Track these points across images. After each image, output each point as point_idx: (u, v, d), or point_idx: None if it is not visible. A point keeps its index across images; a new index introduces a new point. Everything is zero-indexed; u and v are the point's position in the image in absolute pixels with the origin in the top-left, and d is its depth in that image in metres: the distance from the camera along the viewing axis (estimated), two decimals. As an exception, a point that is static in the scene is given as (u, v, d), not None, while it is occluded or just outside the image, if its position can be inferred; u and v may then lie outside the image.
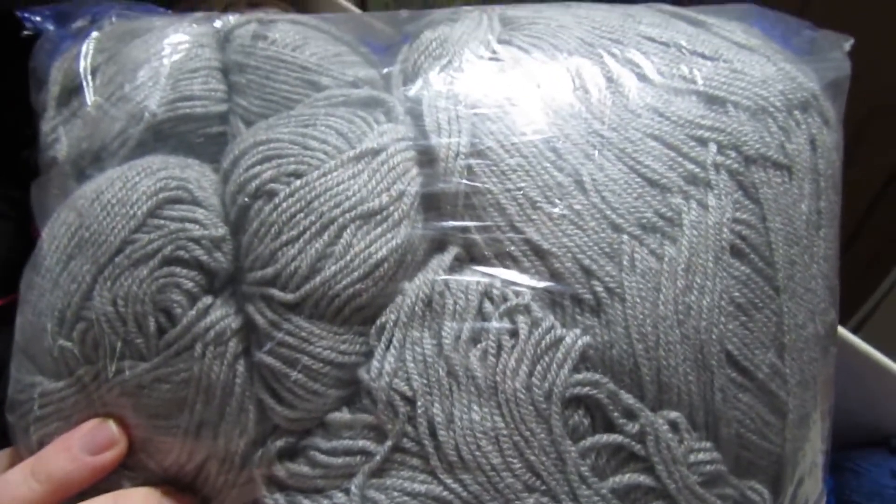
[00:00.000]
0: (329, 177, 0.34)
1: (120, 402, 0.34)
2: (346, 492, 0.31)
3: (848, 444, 0.39)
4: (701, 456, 0.32)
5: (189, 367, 0.33)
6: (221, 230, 0.36)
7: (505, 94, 0.36)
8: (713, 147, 0.35)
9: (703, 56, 0.38)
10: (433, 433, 0.31)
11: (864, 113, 0.42)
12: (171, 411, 0.34)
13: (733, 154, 0.35)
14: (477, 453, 0.30)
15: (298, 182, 0.34)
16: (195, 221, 0.35)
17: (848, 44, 0.43)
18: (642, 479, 0.31)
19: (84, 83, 0.42)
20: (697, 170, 0.35)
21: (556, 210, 0.33)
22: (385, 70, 0.42)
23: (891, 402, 0.54)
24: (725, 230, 0.34)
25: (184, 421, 0.34)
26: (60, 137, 0.42)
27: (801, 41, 0.43)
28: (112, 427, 0.35)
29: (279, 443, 0.34)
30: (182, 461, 0.35)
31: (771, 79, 0.38)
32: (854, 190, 0.40)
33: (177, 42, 0.41)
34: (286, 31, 0.44)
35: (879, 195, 0.68)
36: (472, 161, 0.35)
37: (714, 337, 0.33)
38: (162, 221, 0.35)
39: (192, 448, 0.34)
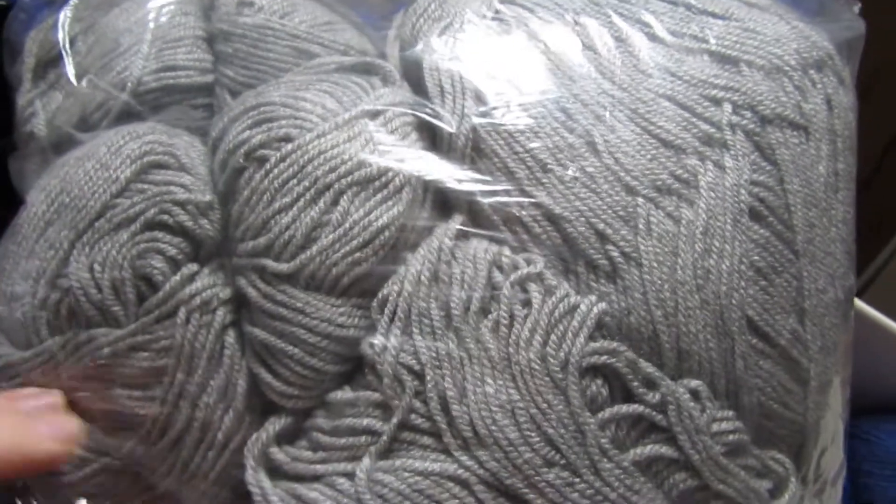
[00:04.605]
0: (323, 140, 0.32)
1: (90, 373, 0.32)
2: (351, 477, 0.30)
3: (856, 412, 0.38)
4: (724, 425, 0.30)
5: (171, 334, 0.32)
6: (209, 196, 0.34)
7: (510, 54, 0.35)
8: (728, 107, 0.34)
9: (714, 15, 0.37)
10: (445, 408, 0.29)
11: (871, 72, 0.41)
12: (148, 382, 0.32)
13: (749, 114, 0.34)
14: (493, 427, 0.28)
15: (290, 146, 0.32)
16: (181, 185, 0.33)
17: (857, 6, 0.42)
18: (664, 450, 0.30)
19: (63, 53, 0.40)
20: (713, 130, 0.33)
21: (569, 173, 0.32)
22: (380, 34, 0.40)
23: (900, 367, 0.53)
24: (743, 192, 0.32)
25: (161, 391, 0.32)
26: (38, 111, 0.41)
27: (809, 2, 0.42)
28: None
29: (278, 424, 0.32)
30: (154, 438, 0.32)
31: (784, 37, 0.36)
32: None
33: (160, 6, 0.39)
34: (274, -3, 0.42)
35: (883, 156, 0.67)
36: (477, 123, 0.33)
37: (734, 302, 0.31)
38: (145, 186, 0.33)
39: (167, 422, 0.32)
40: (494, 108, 0.33)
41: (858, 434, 0.52)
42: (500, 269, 0.31)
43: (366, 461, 0.30)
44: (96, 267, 0.32)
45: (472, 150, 0.33)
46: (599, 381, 0.30)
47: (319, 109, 0.34)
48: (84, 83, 0.39)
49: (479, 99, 0.34)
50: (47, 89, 0.41)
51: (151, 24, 0.40)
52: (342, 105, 0.34)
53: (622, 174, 0.32)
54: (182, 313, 0.32)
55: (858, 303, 0.50)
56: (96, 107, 0.39)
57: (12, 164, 0.40)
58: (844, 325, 0.35)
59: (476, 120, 0.33)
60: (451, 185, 0.33)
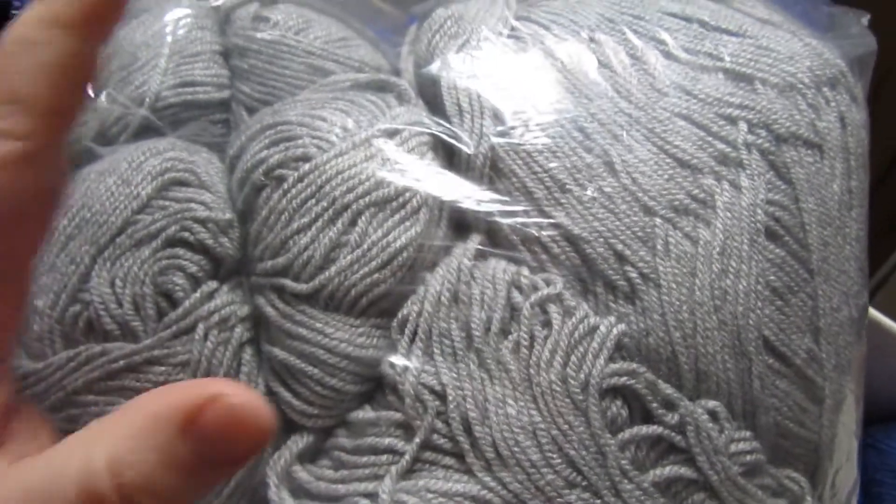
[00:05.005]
0: (340, 160, 0.33)
1: (99, 388, 0.32)
2: (373, 498, 0.30)
3: (866, 421, 0.39)
4: (741, 446, 0.31)
5: (188, 350, 0.32)
6: (229, 214, 0.34)
7: (527, 72, 0.35)
8: (743, 126, 0.34)
9: (728, 32, 0.37)
10: (468, 429, 0.29)
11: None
12: None
13: (764, 133, 0.34)
14: (515, 449, 0.29)
15: (308, 165, 0.33)
16: (202, 203, 0.34)
17: (866, 19, 0.42)
18: (683, 470, 0.30)
19: (79, 66, 0.40)
20: (728, 149, 0.34)
21: (587, 193, 0.32)
22: (394, 50, 0.40)
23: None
24: (759, 212, 0.33)
25: None
26: (53, 125, 0.40)
27: (819, 16, 0.42)
28: None
29: (301, 443, 0.32)
30: None
31: (798, 55, 0.36)
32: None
33: (176, 18, 0.39)
34: (288, 13, 0.42)
35: (890, 164, 0.68)
36: (496, 142, 0.33)
37: (751, 322, 0.31)
38: (167, 203, 0.33)
39: None
40: (513, 128, 0.34)
41: (869, 443, 0.52)
42: (520, 289, 0.32)
43: (387, 481, 0.30)
44: (118, 282, 0.32)
45: (491, 170, 0.33)
46: (619, 402, 0.30)
47: (337, 128, 0.34)
48: (103, 97, 0.39)
49: (497, 118, 0.34)
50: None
51: (169, 38, 0.40)
52: (359, 124, 0.35)
53: (640, 194, 0.32)
54: (200, 329, 0.32)
55: (869, 309, 0.50)
56: (115, 121, 0.39)
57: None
58: (858, 342, 0.36)
59: (494, 140, 0.33)
60: (469, 205, 0.33)
